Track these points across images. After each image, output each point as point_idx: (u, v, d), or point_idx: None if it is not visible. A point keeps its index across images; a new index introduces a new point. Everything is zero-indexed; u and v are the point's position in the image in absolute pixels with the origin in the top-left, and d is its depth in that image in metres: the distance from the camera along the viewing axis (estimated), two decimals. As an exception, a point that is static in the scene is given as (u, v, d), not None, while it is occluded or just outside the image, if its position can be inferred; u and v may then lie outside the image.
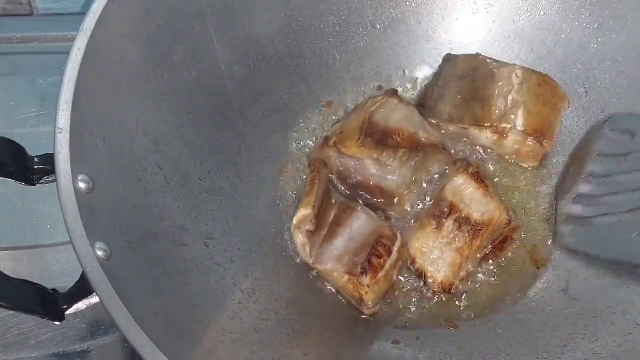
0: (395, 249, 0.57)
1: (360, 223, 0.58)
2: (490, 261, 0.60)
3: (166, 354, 0.42)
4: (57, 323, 0.50)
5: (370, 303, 0.56)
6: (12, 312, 0.60)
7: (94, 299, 0.49)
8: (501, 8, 0.68)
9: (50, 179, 0.50)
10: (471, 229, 0.58)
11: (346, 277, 0.56)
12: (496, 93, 0.61)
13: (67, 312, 0.50)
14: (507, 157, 0.64)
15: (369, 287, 0.55)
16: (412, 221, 0.60)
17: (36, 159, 0.51)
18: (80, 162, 0.47)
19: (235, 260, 0.57)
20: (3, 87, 0.76)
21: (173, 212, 0.55)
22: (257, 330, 0.54)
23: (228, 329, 0.52)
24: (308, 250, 0.57)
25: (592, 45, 0.64)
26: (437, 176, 0.60)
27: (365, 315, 0.57)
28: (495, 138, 0.62)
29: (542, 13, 0.66)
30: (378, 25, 0.68)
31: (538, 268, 0.60)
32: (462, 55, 0.66)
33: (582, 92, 0.65)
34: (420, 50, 0.68)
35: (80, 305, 0.49)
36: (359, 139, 0.61)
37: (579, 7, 0.64)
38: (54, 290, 0.50)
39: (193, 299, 0.52)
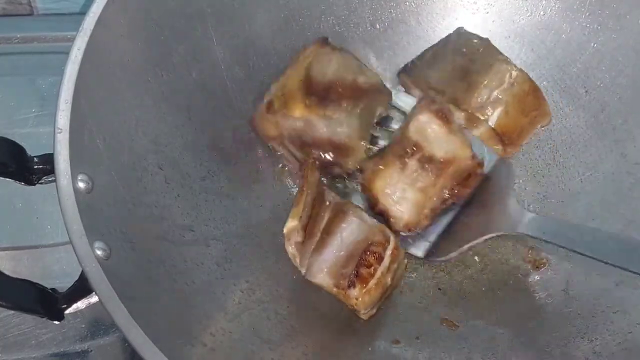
0: (387, 253, 0.55)
1: (351, 229, 0.56)
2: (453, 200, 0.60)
3: (166, 354, 0.42)
4: (56, 322, 0.50)
5: (363, 311, 0.55)
6: (12, 311, 0.60)
7: (93, 298, 0.49)
8: (501, 8, 0.68)
9: (50, 179, 0.50)
10: (435, 167, 0.58)
11: (335, 290, 0.55)
12: (485, 82, 0.61)
13: (67, 312, 0.50)
14: None
15: (357, 299, 0.54)
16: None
17: (36, 159, 0.51)
18: (79, 162, 0.47)
19: (235, 260, 0.57)
20: (3, 87, 0.76)
21: (173, 212, 0.55)
22: (257, 330, 0.54)
23: (228, 329, 0.52)
24: (298, 261, 0.56)
25: (591, 44, 0.64)
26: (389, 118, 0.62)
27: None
28: (465, 123, 0.62)
29: (541, 13, 0.66)
30: (377, 25, 0.68)
31: (537, 268, 0.60)
32: (474, 34, 0.65)
33: (582, 92, 0.65)
34: (420, 50, 0.68)
35: (80, 305, 0.50)
36: (302, 99, 0.60)
37: (578, 7, 0.64)
38: (53, 289, 0.50)
39: (193, 299, 0.52)
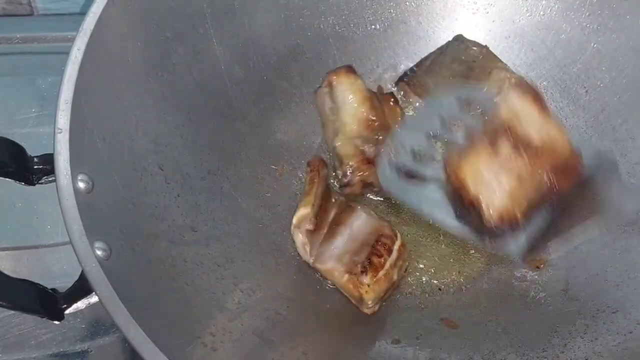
0: (395, 247, 0.57)
1: (360, 222, 0.58)
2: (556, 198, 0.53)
3: (166, 354, 0.42)
4: (56, 322, 0.50)
5: (370, 302, 0.56)
6: (12, 311, 0.60)
7: (93, 298, 0.49)
8: (501, 8, 0.68)
9: (50, 179, 0.50)
10: (530, 152, 0.51)
11: (346, 276, 0.56)
12: (484, 90, 0.61)
13: (67, 312, 0.50)
14: None
15: (369, 286, 0.55)
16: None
17: (36, 159, 0.51)
18: (79, 162, 0.47)
19: (235, 260, 0.57)
20: (3, 87, 0.76)
21: (173, 212, 0.55)
22: (257, 330, 0.54)
23: (228, 329, 0.52)
24: (308, 249, 0.57)
25: (591, 44, 0.64)
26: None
27: (366, 314, 0.57)
28: None
29: (542, 13, 0.66)
30: (378, 26, 0.68)
31: (538, 268, 0.60)
32: (472, 41, 0.65)
33: (582, 92, 0.65)
34: (420, 50, 0.68)
35: (80, 305, 0.49)
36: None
37: (578, 7, 0.64)
38: (53, 289, 0.50)
39: (193, 299, 0.52)
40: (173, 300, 0.51)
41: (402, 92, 0.68)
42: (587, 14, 0.64)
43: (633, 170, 0.61)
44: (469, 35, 0.68)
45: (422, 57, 0.69)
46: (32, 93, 0.75)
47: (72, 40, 0.50)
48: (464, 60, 0.64)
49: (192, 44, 0.60)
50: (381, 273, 0.56)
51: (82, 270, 0.44)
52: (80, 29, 0.50)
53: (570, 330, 0.55)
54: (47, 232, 0.67)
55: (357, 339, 0.57)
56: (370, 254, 0.56)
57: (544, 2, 0.66)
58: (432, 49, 0.69)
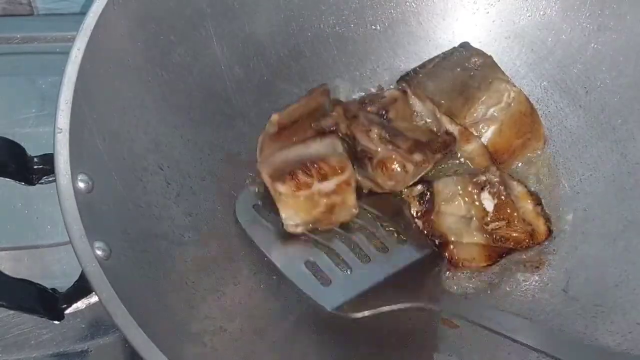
0: (335, 180, 0.54)
1: (321, 146, 0.56)
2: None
3: (166, 354, 0.42)
4: (56, 322, 0.50)
5: (283, 215, 0.54)
6: (12, 311, 0.60)
7: (93, 298, 0.49)
8: (501, 8, 0.68)
9: (50, 179, 0.50)
10: None
11: (268, 179, 0.54)
12: (483, 99, 0.62)
13: (67, 312, 0.50)
14: (460, 157, 0.64)
15: (280, 194, 0.53)
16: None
17: (36, 159, 0.51)
18: (79, 162, 0.47)
19: (235, 260, 0.57)
20: (3, 87, 0.76)
21: (173, 212, 0.55)
22: (256, 330, 0.54)
23: (228, 329, 0.52)
24: (259, 148, 0.57)
25: (592, 45, 0.64)
26: None
27: (368, 317, 0.57)
28: (458, 137, 0.62)
29: (542, 13, 0.66)
30: (378, 26, 0.68)
31: (537, 268, 0.60)
32: (477, 49, 0.65)
33: (582, 92, 0.65)
34: (420, 51, 0.68)
35: (80, 305, 0.50)
36: None
37: (579, 7, 0.64)
38: (53, 289, 0.50)
39: (193, 299, 0.52)
40: (173, 300, 0.51)
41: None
42: (587, 14, 0.64)
43: (633, 170, 0.61)
44: (469, 35, 0.68)
45: (422, 57, 0.69)
46: (32, 93, 0.75)
47: (72, 40, 0.50)
48: (467, 67, 0.64)
49: (192, 44, 0.60)
50: (302, 193, 0.53)
51: (82, 271, 0.44)
52: (80, 29, 0.50)
53: (570, 330, 0.55)
54: (47, 232, 0.67)
55: (357, 339, 0.57)
56: (300, 168, 0.53)
57: (544, 2, 0.66)
58: (432, 50, 0.69)
